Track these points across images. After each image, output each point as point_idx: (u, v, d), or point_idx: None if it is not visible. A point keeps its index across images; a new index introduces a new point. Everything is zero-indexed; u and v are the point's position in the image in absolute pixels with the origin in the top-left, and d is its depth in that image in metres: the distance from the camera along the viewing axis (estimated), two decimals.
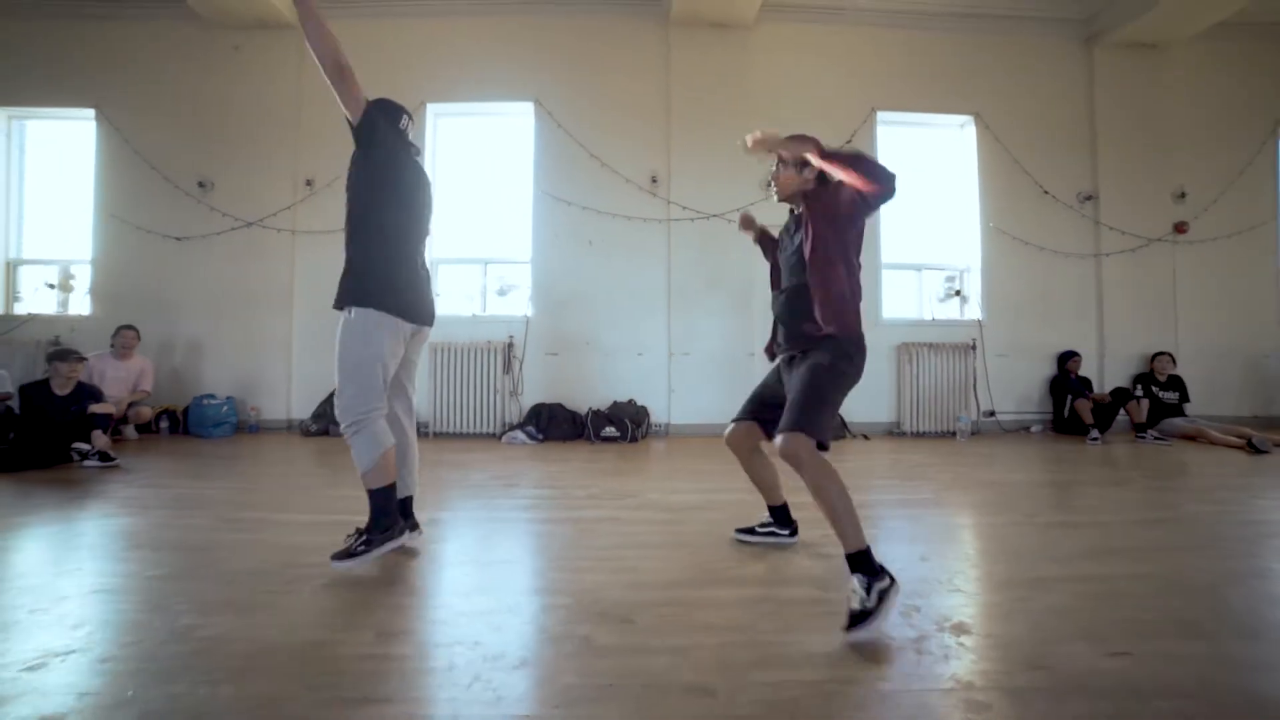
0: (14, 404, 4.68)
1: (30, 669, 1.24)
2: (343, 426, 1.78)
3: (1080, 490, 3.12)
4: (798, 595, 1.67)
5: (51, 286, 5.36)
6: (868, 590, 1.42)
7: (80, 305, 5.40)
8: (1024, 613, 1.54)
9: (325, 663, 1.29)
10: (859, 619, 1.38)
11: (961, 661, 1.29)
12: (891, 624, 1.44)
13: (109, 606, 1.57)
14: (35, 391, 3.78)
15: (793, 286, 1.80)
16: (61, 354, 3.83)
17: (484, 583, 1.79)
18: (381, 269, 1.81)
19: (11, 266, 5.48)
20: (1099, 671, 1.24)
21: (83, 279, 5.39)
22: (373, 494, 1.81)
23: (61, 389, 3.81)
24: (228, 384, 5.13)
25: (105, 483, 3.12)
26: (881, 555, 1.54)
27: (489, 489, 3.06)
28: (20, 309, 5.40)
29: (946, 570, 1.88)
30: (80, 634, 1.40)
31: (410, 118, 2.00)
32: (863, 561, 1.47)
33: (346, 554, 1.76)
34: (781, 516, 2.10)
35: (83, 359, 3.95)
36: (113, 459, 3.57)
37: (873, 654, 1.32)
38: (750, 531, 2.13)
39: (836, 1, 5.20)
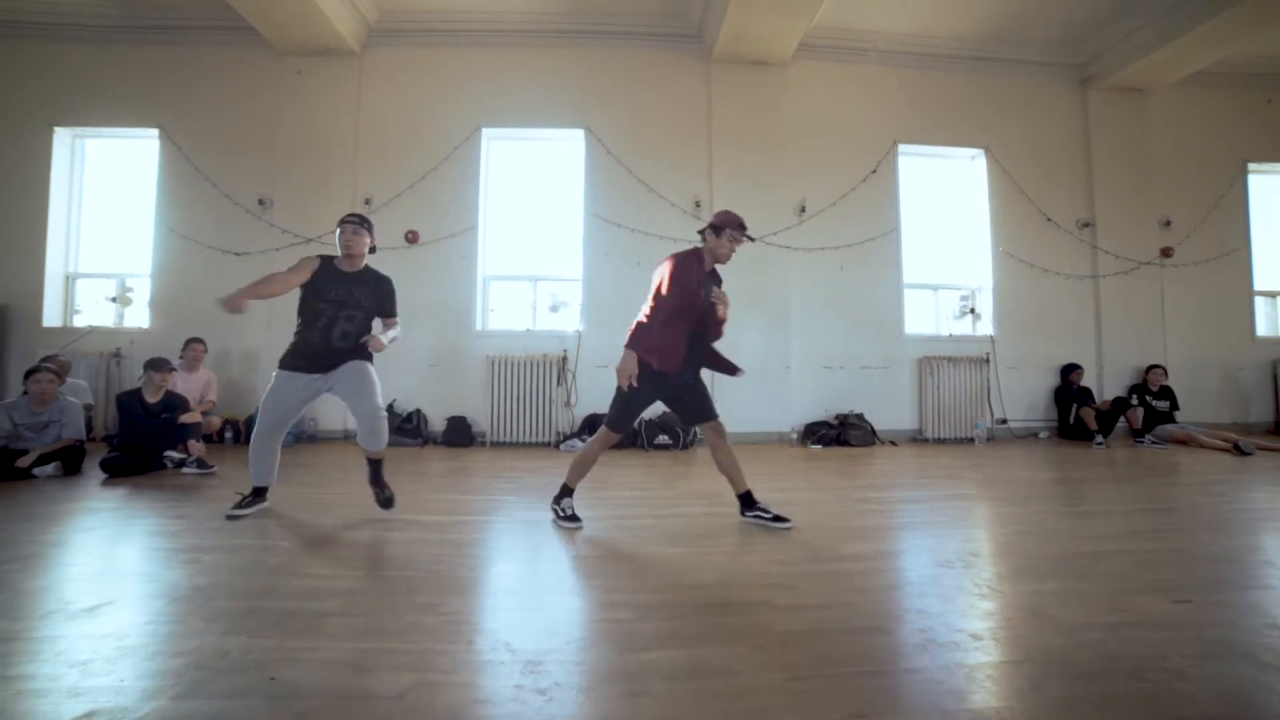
0: (93, 415, 4.87)
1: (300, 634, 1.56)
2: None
3: (1098, 486, 3.58)
4: (911, 564, 2.06)
5: (113, 300, 5.53)
6: (765, 512, 2.53)
7: (139, 318, 5.57)
8: (1093, 574, 1.95)
9: (578, 613, 1.63)
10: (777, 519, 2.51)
11: (1060, 606, 1.69)
12: (996, 586, 1.84)
13: (361, 596, 1.88)
14: (130, 399, 3.98)
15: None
16: (156, 363, 4.03)
17: (666, 568, 2.05)
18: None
19: (70, 280, 5.64)
20: (1170, 612, 1.65)
21: (141, 292, 5.57)
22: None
23: (153, 396, 4.02)
24: None
25: (216, 487, 3.34)
26: (955, 535, 2.21)
27: (586, 494, 3.36)
28: (79, 321, 5.56)
29: (1013, 548, 2.28)
30: (356, 622, 1.72)
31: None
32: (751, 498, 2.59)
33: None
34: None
35: (174, 369, 4.16)
36: (210, 466, 3.81)
37: (991, 604, 1.71)
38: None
39: (864, 44, 5.70)
